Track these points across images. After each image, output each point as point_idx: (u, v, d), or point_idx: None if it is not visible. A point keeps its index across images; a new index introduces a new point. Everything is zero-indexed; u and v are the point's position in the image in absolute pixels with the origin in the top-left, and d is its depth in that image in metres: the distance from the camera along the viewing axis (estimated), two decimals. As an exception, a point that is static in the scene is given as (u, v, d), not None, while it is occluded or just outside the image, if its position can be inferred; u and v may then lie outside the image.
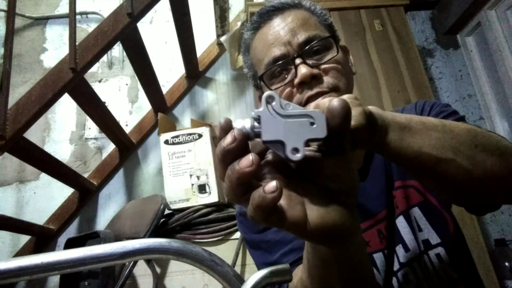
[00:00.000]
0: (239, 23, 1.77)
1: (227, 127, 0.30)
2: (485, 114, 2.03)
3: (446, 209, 0.65)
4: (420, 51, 1.94)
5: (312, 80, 0.60)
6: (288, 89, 0.62)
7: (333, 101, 0.30)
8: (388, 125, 0.41)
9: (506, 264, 1.55)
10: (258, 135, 0.30)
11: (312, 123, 0.30)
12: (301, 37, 0.62)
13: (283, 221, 0.29)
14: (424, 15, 2.22)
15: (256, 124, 0.31)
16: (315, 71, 0.60)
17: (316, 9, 0.69)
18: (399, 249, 0.61)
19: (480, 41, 2.05)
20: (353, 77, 0.67)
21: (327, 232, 0.31)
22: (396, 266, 0.61)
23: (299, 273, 0.49)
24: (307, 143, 0.30)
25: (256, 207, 0.28)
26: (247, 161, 0.28)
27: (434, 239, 0.62)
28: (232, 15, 1.98)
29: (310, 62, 0.61)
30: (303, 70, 0.59)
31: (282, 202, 0.30)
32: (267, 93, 0.31)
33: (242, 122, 0.31)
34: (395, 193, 0.64)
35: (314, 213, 0.31)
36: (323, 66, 0.61)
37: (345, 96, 0.40)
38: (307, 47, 0.61)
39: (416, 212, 0.63)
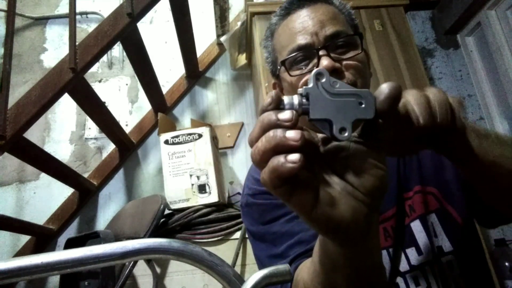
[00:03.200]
0: (239, 23, 1.77)
1: (277, 99, 0.30)
2: (485, 114, 2.03)
3: (464, 219, 0.65)
4: (420, 51, 1.94)
5: (332, 74, 0.59)
6: (306, 77, 0.62)
7: (387, 82, 0.30)
8: (468, 128, 0.42)
9: (506, 264, 1.55)
10: (305, 112, 0.30)
11: (360, 103, 0.30)
12: (329, 30, 0.62)
13: (291, 196, 0.29)
14: (424, 15, 2.22)
15: (304, 101, 0.30)
16: (337, 65, 0.60)
17: (345, 8, 0.69)
18: (412, 252, 0.61)
19: (480, 41, 2.05)
20: (370, 79, 0.68)
21: (331, 225, 0.30)
22: (405, 268, 0.61)
23: (305, 267, 0.47)
24: (354, 123, 0.30)
25: (272, 170, 0.28)
26: (296, 135, 0.27)
27: (447, 246, 0.62)
28: (232, 15, 1.98)
29: (333, 55, 0.61)
30: (325, 62, 0.59)
31: (298, 179, 0.29)
32: (317, 69, 0.31)
33: (290, 98, 0.30)
34: (414, 197, 0.64)
35: (326, 201, 0.30)
36: (345, 62, 0.61)
37: (454, 98, 0.40)
38: (333, 41, 0.62)
39: (433, 218, 0.63)
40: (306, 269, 0.46)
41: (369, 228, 0.32)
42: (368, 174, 0.31)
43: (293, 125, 0.28)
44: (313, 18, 0.63)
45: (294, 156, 0.27)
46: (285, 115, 0.29)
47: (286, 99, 0.30)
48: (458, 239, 0.63)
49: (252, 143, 0.30)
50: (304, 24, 0.64)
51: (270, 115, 0.29)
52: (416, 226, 0.62)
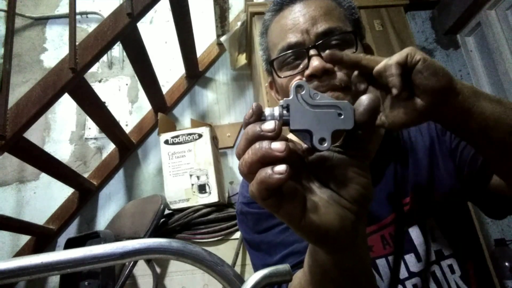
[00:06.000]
0: (239, 23, 1.77)
1: (258, 111, 0.31)
2: (485, 114, 2.03)
3: (463, 220, 0.64)
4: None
5: (323, 75, 0.57)
6: (297, 78, 0.60)
7: (366, 94, 0.31)
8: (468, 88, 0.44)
9: (506, 264, 1.55)
10: (286, 123, 0.31)
11: (339, 114, 0.31)
12: (321, 27, 0.59)
13: (279, 207, 0.29)
14: (424, 15, 2.22)
15: (285, 112, 0.31)
16: (328, 65, 0.56)
17: (346, 1, 0.65)
18: (411, 258, 0.60)
19: (480, 41, 2.05)
20: None
21: (320, 233, 0.30)
22: (404, 275, 0.59)
23: (297, 278, 0.48)
24: (334, 133, 0.31)
25: (260, 183, 0.28)
26: (281, 146, 0.28)
27: (447, 250, 0.61)
28: (232, 15, 1.98)
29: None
30: (315, 62, 0.56)
31: (286, 190, 0.30)
32: (296, 82, 0.32)
33: (271, 110, 0.32)
34: (411, 202, 0.63)
35: (313, 210, 0.30)
36: None
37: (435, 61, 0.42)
38: (325, 39, 0.58)
39: (432, 222, 0.62)
40: (298, 280, 0.46)
41: (356, 235, 0.33)
42: (353, 182, 0.31)
43: (276, 135, 0.29)
44: (304, 14, 0.60)
45: (281, 167, 0.28)
46: (268, 125, 0.29)
47: (267, 110, 0.31)
48: (457, 241, 0.62)
49: (239, 156, 0.31)
50: (295, 21, 0.60)
51: (254, 127, 0.30)
52: (415, 232, 0.61)
